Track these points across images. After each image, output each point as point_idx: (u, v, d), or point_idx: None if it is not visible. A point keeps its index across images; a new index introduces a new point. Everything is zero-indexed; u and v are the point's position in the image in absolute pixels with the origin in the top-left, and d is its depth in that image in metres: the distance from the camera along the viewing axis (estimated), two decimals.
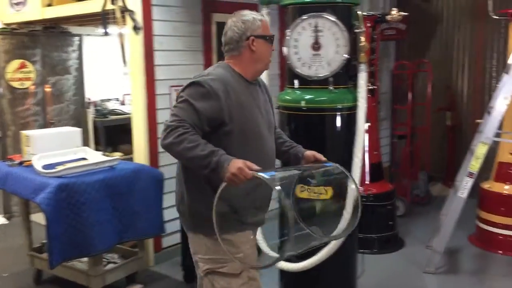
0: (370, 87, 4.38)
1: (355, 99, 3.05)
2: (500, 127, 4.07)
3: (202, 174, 1.95)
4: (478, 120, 4.39)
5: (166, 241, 4.27)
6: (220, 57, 2.99)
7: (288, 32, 3.02)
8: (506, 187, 4.34)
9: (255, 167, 1.88)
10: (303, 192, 2.89)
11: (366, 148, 4.15)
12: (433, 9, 6.42)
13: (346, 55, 2.98)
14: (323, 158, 2.27)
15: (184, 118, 1.95)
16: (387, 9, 5.43)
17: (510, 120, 4.22)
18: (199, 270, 2.23)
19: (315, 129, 3.07)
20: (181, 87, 2.09)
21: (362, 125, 2.98)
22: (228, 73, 2.13)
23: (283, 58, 3.09)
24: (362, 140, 2.98)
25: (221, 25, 3.20)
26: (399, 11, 4.10)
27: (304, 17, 2.98)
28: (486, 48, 6.03)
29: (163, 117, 4.11)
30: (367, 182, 4.41)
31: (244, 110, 2.10)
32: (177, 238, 4.08)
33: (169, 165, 4.07)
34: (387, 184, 4.56)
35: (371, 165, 4.39)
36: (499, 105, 3.82)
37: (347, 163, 2.90)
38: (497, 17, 4.63)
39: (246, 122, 2.10)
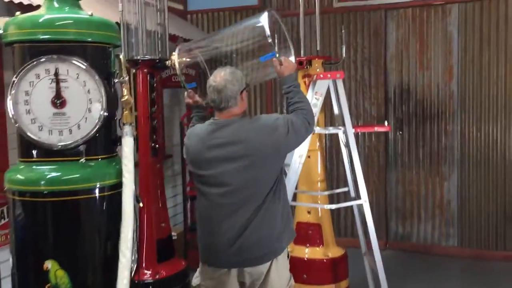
0: (153, 146, 3.66)
1: (121, 174, 2.20)
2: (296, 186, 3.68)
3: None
4: None
5: None
6: None
7: (14, 81, 2.07)
8: (307, 250, 3.95)
9: None
10: None
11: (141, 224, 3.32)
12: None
13: (104, 113, 2.14)
14: None
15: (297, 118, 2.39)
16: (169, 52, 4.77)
17: (305, 177, 3.85)
18: None
19: (64, 222, 2.12)
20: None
21: (130, 210, 2.13)
22: None
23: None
24: (130, 230, 2.14)
25: None
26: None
27: (42, 59, 2.07)
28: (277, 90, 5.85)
29: None
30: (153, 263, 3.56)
31: None
32: None
33: None
34: (179, 262, 3.77)
35: (157, 241, 3.57)
36: (294, 163, 3.40)
37: (113, 262, 2.04)
38: None
39: None
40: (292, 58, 2.64)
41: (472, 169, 5.14)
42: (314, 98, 3.30)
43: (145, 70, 3.53)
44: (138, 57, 3.49)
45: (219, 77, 2.34)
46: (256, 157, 2.30)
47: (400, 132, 5.38)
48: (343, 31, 4.01)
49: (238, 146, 2.31)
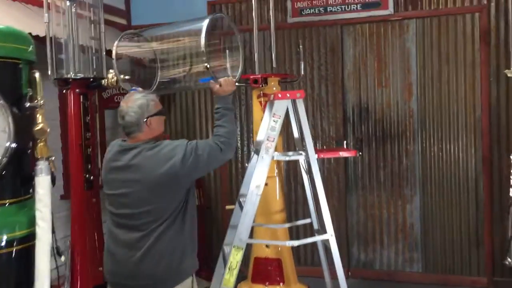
0: (87, 178, 3.17)
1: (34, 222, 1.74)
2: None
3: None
4: (229, 206, 3.58)
5: None
6: None
7: None
8: None
9: None
10: None
11: None
12: None
13: (12, 145, 1.68)
14: None
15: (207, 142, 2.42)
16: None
17: (262, 207, 3.46)
18: None
19: None
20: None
21: (45, 269, 1.67)
22: None
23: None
24: None
25: None
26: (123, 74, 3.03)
27: None
28: None
29: None
30: None
31: None
32: None
33: None
34: None
35: None
36: (251, 196, 3.00)
37: None
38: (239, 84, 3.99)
39: None
40: (239, 70, 2.74)
41: (435, 190, 4.92)
42: (272, 121, 2.94)
43: (77, 90, 3.07)
44: (69, 76, 3.02)
45: (125, 102, 2.39)
46: (149, 184, 2.28)
47: (360, 153, 5.11)
48: (300, 46, 3.70)
49: (133, 171, 2.31)
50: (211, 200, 5.50)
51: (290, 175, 5.23)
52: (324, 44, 5.13)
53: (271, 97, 3.06)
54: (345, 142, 5.08)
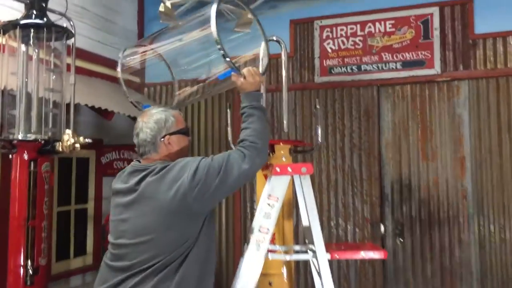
0: (29, 268, 2.45)
1: None
2: None
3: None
4: None
5: None
6: None
7: None
8: None
9: None
10: None
11: None
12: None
13: None
14: None
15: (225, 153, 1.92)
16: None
17: None
18: None
19: None
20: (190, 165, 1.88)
21: None
22: None
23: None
24: None
25: None
26: (82, 136, 2.38)
27: None
28: None
29: None
30: None
31: None
32: None
33: None
34: None
35: None
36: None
37: None
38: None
39: None
40: (265, 60, 2.30)
41: None
42: (266, 205, 2.14)
43: (24, 155, 2.41)
44: (15, 137, 2.38)
45: (141, 117, 2.05)
46: (154, 211, 1.85)
47: (401, 240, 4.18)
48: (317, 106, 2.96)
49: (134, 195, 1.91)
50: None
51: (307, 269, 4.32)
52: (358, 107, 4.37)
53: (270, 171, 2.29)
54: (382, 226, 4.18)
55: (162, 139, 2.00)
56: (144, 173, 1.93)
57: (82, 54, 4.06)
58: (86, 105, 3.51)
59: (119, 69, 2.42)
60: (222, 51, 2.01)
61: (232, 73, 2.07)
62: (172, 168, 1.90)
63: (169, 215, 1.84)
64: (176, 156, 2.00)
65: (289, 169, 2.18)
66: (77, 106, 3.52)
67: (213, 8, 2.04)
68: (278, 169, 2.16)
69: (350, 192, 4.35)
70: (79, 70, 4.00)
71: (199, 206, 1.84)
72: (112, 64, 4.39)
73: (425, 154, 4.18)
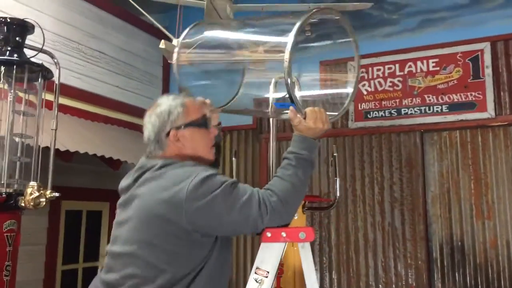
0: None
1: None
2: None
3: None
4: None
5: None
6: None
7: None
8: None
9: None
10: None
11: None
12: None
13: None
14: None
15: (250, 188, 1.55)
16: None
17: None
18: None
19: None
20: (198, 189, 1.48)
21: None
22: None
23: None
24: None
25: None
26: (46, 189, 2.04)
27: None
28: None
29: None
30: None
31: None
32: None
33: None
34: None
35: None
36: None
37: None
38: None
39: None
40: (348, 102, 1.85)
41: None
42: (253, 282, 1.67)
43: None
44: None
45: (148, 109, 1.72)
46: (141, 215, 1.53)
47: None
48: (335, 154, 2.50)
49: (128, 194, 1.63)
50: None
51: None
52: (398, 156, 3.84)
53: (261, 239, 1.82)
54: None
55: (167, 135, 1.65)
56: (144, 169, 1.63)
57: (96, 99, 3.87)
58: (95, 154, 3.24)
59: (174, 61, 1.97)
60: (287, 78, 1.57)
61: (291, 107, 1.65)
62: (175, 167, 1.58)
63: (153, 220, 1.51)
64: (193, 154, 1.66)
65: (283, 234, 1.71)
66: (85, 155, 3.30)
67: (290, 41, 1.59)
68: (269, 234, 1.70)
69: (392, 254, 3.76)
70: (91, 116, 3.81)
71: (191, 227, 1.47)
72: (132, 110, 4.21)
73: (480, 210, 3.56)
